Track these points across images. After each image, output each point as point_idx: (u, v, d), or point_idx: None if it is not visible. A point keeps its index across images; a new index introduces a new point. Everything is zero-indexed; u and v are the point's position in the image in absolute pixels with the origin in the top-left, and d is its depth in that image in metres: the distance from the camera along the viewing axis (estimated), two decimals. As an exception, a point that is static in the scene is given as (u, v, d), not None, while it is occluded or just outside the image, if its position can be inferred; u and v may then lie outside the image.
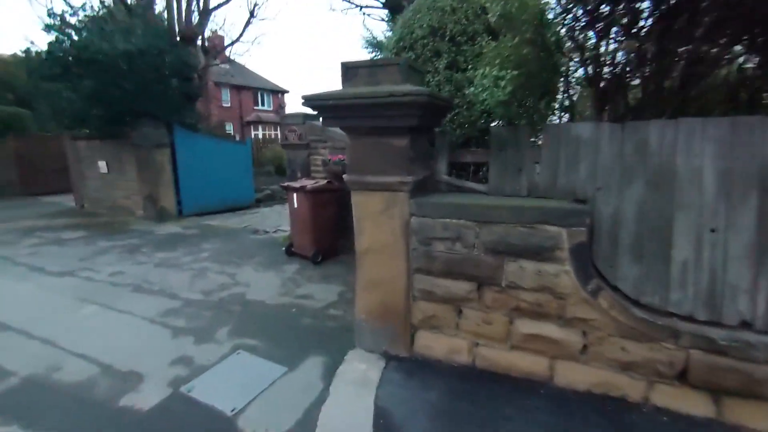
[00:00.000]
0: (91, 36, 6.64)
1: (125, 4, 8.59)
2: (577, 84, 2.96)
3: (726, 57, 2.67)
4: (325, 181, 5.15)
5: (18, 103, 11.85)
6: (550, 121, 3.08)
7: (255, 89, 33.72)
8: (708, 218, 2.05)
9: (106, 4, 8.46)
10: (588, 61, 2.61)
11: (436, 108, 2.42)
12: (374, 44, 11.38)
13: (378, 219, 2.61)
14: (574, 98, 3.11)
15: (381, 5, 10.74)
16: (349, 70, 2.40)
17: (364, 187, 2.59)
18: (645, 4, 2.60)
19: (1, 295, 4.04)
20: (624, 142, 2.25)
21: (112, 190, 8.66)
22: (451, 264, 2.48)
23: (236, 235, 6.85)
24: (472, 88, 2.54)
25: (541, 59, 2.57)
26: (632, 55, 2.55)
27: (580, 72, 2.80)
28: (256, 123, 32.63)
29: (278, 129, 35.52)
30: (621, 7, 2.54)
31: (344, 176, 2.65)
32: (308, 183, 5.06)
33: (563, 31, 2.86)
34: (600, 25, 2.61)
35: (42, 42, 11.94)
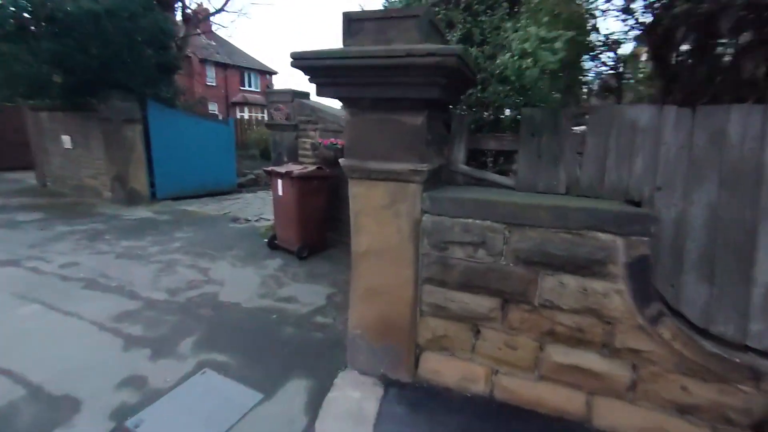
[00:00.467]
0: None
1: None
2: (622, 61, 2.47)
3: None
4: (315, 167, 4.60)
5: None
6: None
7: (242, 68, 32.36)
8: (806, 231, 1.62)
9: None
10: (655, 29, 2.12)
11: (463, 77, 1.91)
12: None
13: (381, 215, 2.11)
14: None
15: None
16: (352, 22, 1.86)
17: (366, 175, 2.07)
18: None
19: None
20: (694, 131, 1.79)
21: (77, 168, 7.88)
22: (471, 275, 2.00)
23: (214, 222, 6.24)
24: (506, 56, 2.03)
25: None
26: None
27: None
28: (243, 104, 31.41)
29: (265, 111, 34.31)
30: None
31: (341, 161, 2.13)
32: (295, 168, 4.50)
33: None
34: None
35: None
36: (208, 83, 28.90)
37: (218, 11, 9.77)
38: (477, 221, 1.94)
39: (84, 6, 5.89)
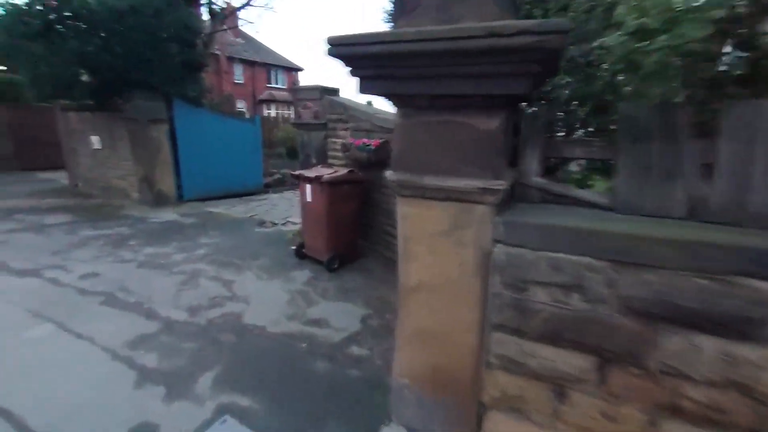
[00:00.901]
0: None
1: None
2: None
3: None
4: (346, 171, 4.20)
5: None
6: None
7: (268, 65, 32.50)
8: None
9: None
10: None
11: (557, 64, 1.43)
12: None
13: (438, 243, 1.67)
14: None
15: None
16: (407, -4, 1.42)
17: (419, 193, 1.64)
18: None
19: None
20: None
21: (105, 169, 7.85)
22: (558, 325, 1.54)
23: (240, 226, 5.99)
24: (612, 36, 1.52)
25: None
26: None
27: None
28: (269, 101, 31.57)
29: (292, 108, 34.41)
30: None
31: (388, 174, 1.70)
32: (325, 172, 4.12)
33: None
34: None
35: None
36: (236, 81, 29.20)
37: (244, 6, 9.56)
38: (571, 257, 1.47)
39: (108, 2, 5.72)
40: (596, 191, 1.84)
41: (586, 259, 1.44)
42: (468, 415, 1.80)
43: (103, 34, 5.85)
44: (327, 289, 3.71)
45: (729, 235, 1.37)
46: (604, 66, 1.66)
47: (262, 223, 6.20)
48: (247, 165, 8.57)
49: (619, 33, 1.47)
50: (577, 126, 2.14)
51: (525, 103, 1.99)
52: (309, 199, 4.21)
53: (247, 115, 18.45)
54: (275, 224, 6.21)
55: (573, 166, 2.82)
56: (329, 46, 1.47)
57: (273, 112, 32.86)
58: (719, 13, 1.24)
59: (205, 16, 8.49)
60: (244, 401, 2.15)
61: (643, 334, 1.41)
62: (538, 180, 1.89)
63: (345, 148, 4.61)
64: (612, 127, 1.86)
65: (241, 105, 26.81)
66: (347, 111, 4.75)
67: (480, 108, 1.45)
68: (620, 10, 1.48)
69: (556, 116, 2.12)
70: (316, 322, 3.06)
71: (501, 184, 1.49)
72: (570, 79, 1.99)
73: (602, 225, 1.47)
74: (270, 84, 32.96)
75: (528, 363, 1.63)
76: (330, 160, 4.97)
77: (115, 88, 6.47)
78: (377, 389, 2.23)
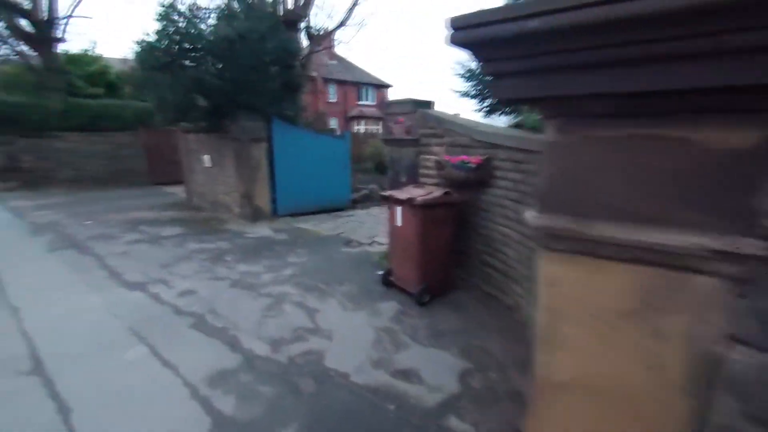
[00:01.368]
0: (194, 22, 6.26)
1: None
2: None
3: None
4: (441, 191, 3.71)
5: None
6: None
7: (359, 84, 33.96)
8: None
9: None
10: None
11: None
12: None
13: (614, 328, 1.06)
14: None
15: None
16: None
17: (586, 248, 1.05)
18: None
19: (64, 315, 3.51)
20: None
21: (214, 185, 8.55)
22: None
23: (327, 245, 5.86)
24: None
25: None
26: None
27: None
28: (359, 118, 32.84)
29: (380, 124, 35.38)
30: None
31: (530, 217, 1.15)
32: (417, 193, 3.68)
33: None
34: None
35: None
36: (329, 100, 31.03)
37: (339, 26, 9.84)
38: None
39: (221, 32, 6.17)
40: None
41: None
42: None
43: (215, 62, 6.32)
44: (417, 329, 3.22)
45: None
46: None
47: (348, 242, 6.00)
48: (337, 181, 8.61)
49: None
50: None
51: None
52: (399, 223, 3.80)
53: (338, 132, 19.22)
54: (361, 244, 5.96)
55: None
56: (452, 31, 0.99)
57: (362, 128, 34.13)
58: None
59: (304, 40, 8.93)
60: (320, 484, 1.74)
61: None
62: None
63: (439, 165, 4.13)
64: None
65: (333, 122, 28.26)
66: (442, 125, 4.27)
67: (720, 113, 0.83)
68: None
69: None
70: (406, 375, 2.58)
71: (755, 246, 0.84)
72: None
73: None
74: (360, 101, 34.37)
75: None
76: (421, 179, 4.52)
77: (225, 110, 6.97)
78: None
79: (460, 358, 2.78)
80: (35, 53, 11.88)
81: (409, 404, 2.29)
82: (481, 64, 1.04)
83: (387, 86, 36.07)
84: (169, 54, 6.27)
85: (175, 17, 6.28)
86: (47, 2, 11.40)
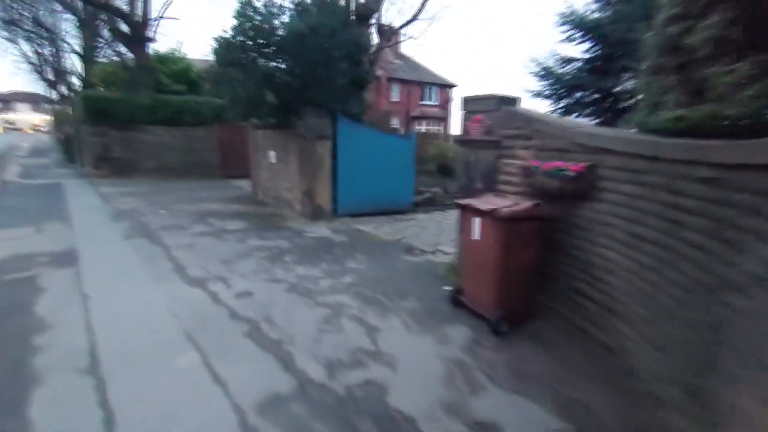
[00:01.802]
0: (268, 18, 6.23)
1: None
2: None
3: None
4: (530, 203, 3.14)
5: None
6: None
7: (423, 84, 33.45)
8: None
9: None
10: None
11: None
12: (576, 22, 8.56)
13: None
14: None
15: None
16: None
17: None
18: None
19: (127, 309, 3.49)
20: None
21: (278, 181, 8.62)
22: None
23: (387, 251, 5.50)
24: None
25: None
26: None
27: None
28: (421, 118, 32.38)
29: (442, 125, 34.55)
30: None
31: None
32: (501, 203, 3.15)
33: None
34: None
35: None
36: (392, 100, 30.91)
37: (411, 21, 9.45)
38: None
39: (293, 27, 6.07)
40: None
41: None
42: None
43: (285, 57, 6.25)
44: (495, 366, 2.70)
45: None
46: None
47: (410, 250, 5.58)
48: (399, 182, 8.24)
49: None
50: None
51: None
52: (476, 236, 3.29)
53: (401, 132, 18.89)
54: (424, 252, 5.51)
55: None
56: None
57: (423, 128, 33.61)
58: None
59: (374, 36, 8.67)
60: None
61: None
62: None
63: (526, 172, 3.55)
64: None
65: (394, 122, 28.10)
66: (531, 125, 3.68)
67: None
68: None
69: None
70: (485, 430, 2.09)
71: None
72: None
73: None
74: (423, 101, 33.85)
75: None
76: (501, 187, 3.96)
77: (292, 106, 6.91)
78: None
79: (554, 414, 2.23)
80: (130, 53, 13.01)
81: (495, 476, 1.80)
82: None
83: (451, 86, 35.15)
84: (243, 50, 6.31)
85: (251, 13, 6.31)
86: (142, 5, 12.40)
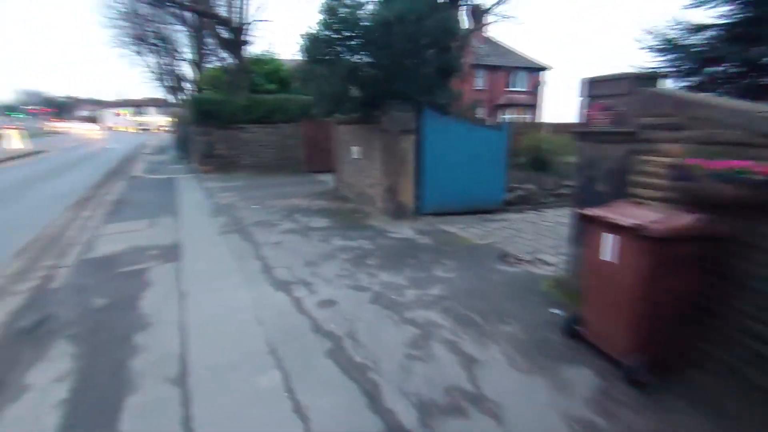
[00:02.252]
0: (355, 8, 5.96)
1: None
2: None
3: None
4: (692, 218, 2.35)
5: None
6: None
7: (509, 68, 31.14)
8: None
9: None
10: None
11: None
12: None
13: None
14: None
15: None
16: None
17: None
18: None
19: (218, 312, 3.51)
20: None
21: (360, 177, 8.48)
22: None
23: (478, 257, 4.92)
24: None
25: None
26: None
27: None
28: (507, 106, 30.29)
29: (530, 112, 31.88)
30: None
31: None
32: (646, 217, 2.40)
33: None
34: None
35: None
36: (475, 87, 29.31)
37: (500, 1, 8.49)
38: None
39: (378, 15, 5.73)
40: None
41: None
42: None
43: (371, 48, 5.95)
44: (639, 434, 2.04)
45: None
46: None
47: (503, 257, 4.93)
48: (488, 178, 7.50)
49: None
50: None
51: None
52: (608, 256, 2.59)
53: (489, 122, 17.69)
54: (521, 261, 4.81)
55: None
56: None
57: (507, 117, 31.48)
58: None
59: (464, 19, 7.96)
60: None
61: None
62: None
63: (678, 173, 2.69)
64: None
65: (479, 111, 26.64)
66: (687, 110, 2.79)
67: None
68: None
69: None
70: None
71: None
72: None
73: None
74: (509, 88, 31.58)
75: None
76: (637, 191, 3.12)
77: (376, 100, 6.63)
78: None
79: None
80: (230, 57, 14.06)
81: None
82: None
83: (543, 68, 32.21)
84: (328, 44, 6.17)
85: (337, 5, 6.11)
86: (239, 11, 13.25)
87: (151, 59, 25.91)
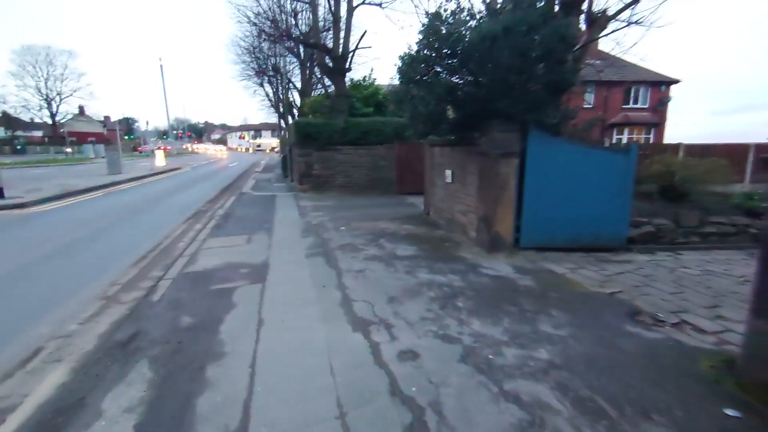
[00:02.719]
0: (458, 25, 5.56)
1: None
2: None
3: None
4: None
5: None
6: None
7: (628, 84, 27.62)
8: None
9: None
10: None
11: None
12: None
13: None
14: None
15: None
16: None
17: None
18: None
19: (290, 350, 3.24)
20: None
21: (452, 202, 7.89)
22: None
23: (598, 310, 3.93)
24: None
25: None
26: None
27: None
28: (623, 125, 26.85)
29: (652, 132, 27.70)
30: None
31: None
32: None
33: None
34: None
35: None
36: (584, 106, 26.59)
37: (632, 3, 7.25)
38: None
39: (484, 30, 5.22)
40: None
41: None
42: None
43: (471, 66, 5.45)
44: None
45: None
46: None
47: (635, 314, 3.85)
48: (607, 210, 6.27)
49: None
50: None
51: None
52: None
53: (608, 143, 15.62)
54: (660, 322, 3.69)
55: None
56: None
57: (624, 138, 27.83)
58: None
59: (582, 27, 6.97)
60: None
61: None
62: None
63: None
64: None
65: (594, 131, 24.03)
66: None
67: None
68: None
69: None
70: None
71: None
72: None
73: None
74: (627, 105, 28.02)
75: None
76: None
77: (475, 121, 6.07)
78: None
79: None
80: (332, 84, 14.88)
81: None
82: None
83: (670, 82, 27.97)
84: (426, 63, 5.85)
85: (438, 24, 5.78)
86: (343, 41, 13.98)
87: (268, 88, 29.27)
